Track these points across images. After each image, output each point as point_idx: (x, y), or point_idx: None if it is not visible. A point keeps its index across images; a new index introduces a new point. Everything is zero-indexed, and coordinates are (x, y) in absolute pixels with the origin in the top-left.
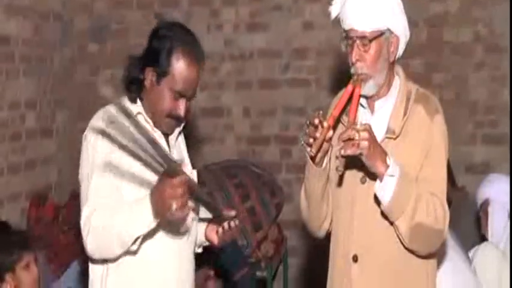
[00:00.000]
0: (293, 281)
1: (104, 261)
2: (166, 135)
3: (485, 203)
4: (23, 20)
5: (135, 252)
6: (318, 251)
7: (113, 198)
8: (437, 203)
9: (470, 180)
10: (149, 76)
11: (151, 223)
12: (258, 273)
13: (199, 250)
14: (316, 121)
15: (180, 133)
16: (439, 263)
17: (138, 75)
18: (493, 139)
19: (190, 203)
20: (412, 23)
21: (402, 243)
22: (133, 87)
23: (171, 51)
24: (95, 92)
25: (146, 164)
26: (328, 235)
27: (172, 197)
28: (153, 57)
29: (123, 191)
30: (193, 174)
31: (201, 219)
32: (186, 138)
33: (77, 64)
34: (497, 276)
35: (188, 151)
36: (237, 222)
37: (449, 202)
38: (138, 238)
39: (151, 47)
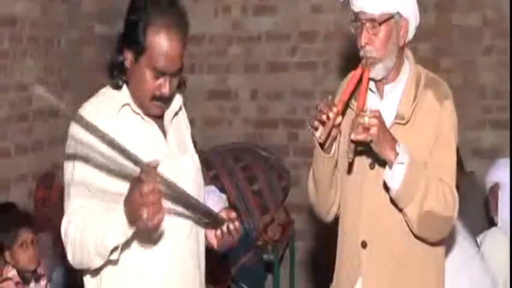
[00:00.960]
0: (300, 264)
1: (97, 270)
2: (161, 119)
3: (495, 187)
4: (30, 1)
5: (126, 258)
6: (325, 235)
7: (93, 201)
8: (447, 190)
9: (478, 165)
10: (128, 56)
11: (128, 232)
12: (265, 257)
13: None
14: (325, 107)
15: (176, 114)
16: (448, 249)
17: (118, 57)
18: (501, 124)
19: (165, 209)
20: (421, 7)
21: (411, 230)
22: (116, 72)
23: (147, 24)
24: (102, 73)
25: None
26: (335, 219)
27: (143, 205)
28: (130, 34)
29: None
30: (194, 159)
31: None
32: (193, 120)
33: (84, 46)
34: (505, 262)
35: (195, 134)
36: (236, 224)
37: (458, 187)
38: (117, 248)
39: (128, 22)
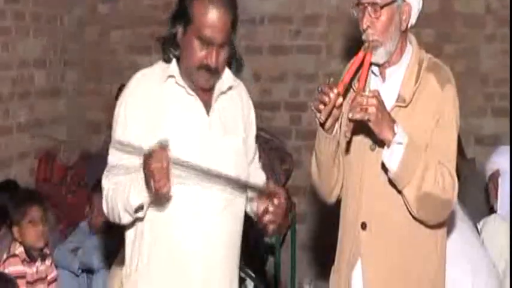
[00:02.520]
0: (301, 247)
1: (134, 227)
2: (208, 95)
3: (495, 174)
4: None
5: (152, 225)
6: (326, 217)
7: (128, 162)
8: (446, 173)
9: (480, 152)
10: (179, 29)
11: (148, 193)
12: (266, 239)
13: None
14: (327, 88)
15: (223, 93)
16: (448, 234)
17: (171, 31)
18: (503, 111)
19: (172, 179)
20: None
21: (410, 212)
22: (167, 46)
23: None
24: (105, 52)
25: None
26: (337, 201)
27: (151, 178)
28: (180, 7)
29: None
30: (237, 141)
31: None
32: None
33: (87, 24)
34: (505, 249)
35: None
36: (282, 199)
37: (459, 174)
38: (141, 207)
39: None
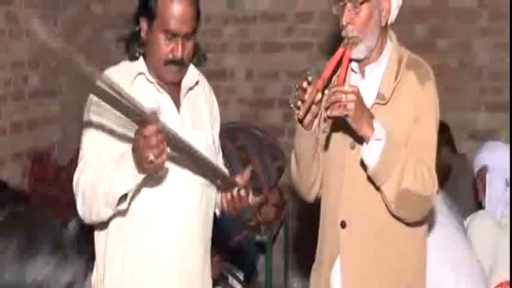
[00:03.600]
0: (293, 245)
1: (104, 227)
2: (176, 91)
3: (483, 170)
4: None
5: (132, 215)
6: (318, 216)
7: (103, 157)
8: (425, 170)
9: (473, 146)
10: (143, 25)
11: (137, 177)
12: (258, 237)
13: (218, 212)
14: (305, 84)
15: (191, 89)
16: (431, 231)
17: (135, 28)
18: (497, 106)
19: (168, 150)
20: None
21: (389, 210)
22: (132, 44)
23: None
24: (99, 52)
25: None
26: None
27: (148, 147)
28: (143, 3)
29: (116, 149)
30: (207, 136)
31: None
32: None
33: (80, 24)
34: (492, 245)
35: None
36: (242, 191)
37: (449, 169)
38: (126, 197)
39: None
